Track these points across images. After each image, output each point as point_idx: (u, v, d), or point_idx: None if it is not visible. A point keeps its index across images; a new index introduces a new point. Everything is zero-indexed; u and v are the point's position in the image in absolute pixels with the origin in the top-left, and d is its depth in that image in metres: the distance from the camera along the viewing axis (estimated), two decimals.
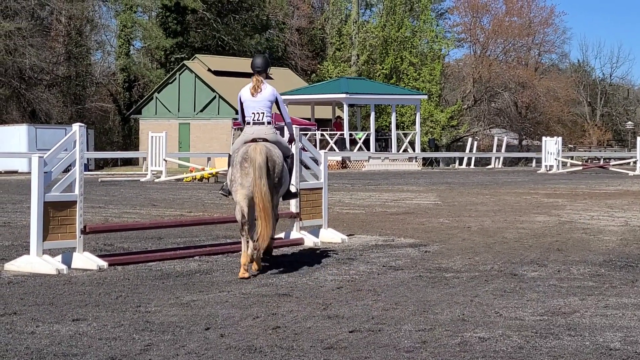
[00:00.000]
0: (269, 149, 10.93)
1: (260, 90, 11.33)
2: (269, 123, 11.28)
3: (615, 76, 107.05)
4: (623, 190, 28.59)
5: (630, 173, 43.26)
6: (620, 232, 15.34)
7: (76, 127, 10.86)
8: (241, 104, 11.44)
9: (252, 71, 11.56)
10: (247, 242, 10.84)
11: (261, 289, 9.37)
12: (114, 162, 63.30)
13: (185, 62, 62.17)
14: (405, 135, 56.39)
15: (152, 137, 36.81)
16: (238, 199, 10.93)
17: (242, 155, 10.93)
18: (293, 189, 12.22)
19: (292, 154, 11.90)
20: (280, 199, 11.70)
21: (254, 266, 10.74)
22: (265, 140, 11.10)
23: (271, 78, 62.33)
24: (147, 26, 70.29)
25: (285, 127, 12.11)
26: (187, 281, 9.88)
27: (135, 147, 63.22)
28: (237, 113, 57.48)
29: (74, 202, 10.69)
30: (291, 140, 12.19)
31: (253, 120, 11.28)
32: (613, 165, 51.16)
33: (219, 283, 9.76)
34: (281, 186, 11.23)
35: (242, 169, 10.86)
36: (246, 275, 10.22)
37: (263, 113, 11.27)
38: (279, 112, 11.88)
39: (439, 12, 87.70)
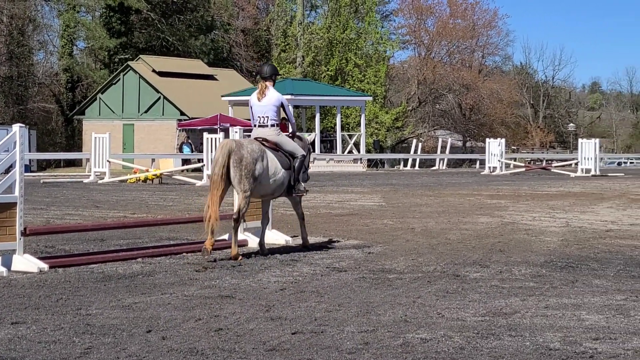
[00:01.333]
0: (238, 145, 11.86)
1: (265, 95, 12.55)
2: (272, 125, 12.52)
3: (558, 78, 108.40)
4: (564, 191, 28.89)
5: (572, 174, 43.73)
6: (562, 233, 15.50)
7: (16, 127, 10.75)
8: (251, 107, 12.73)
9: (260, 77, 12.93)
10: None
11: (204, 291, 9.33)
12: (57, 163, 62.71)
13: (129, 62, 61.78)
14: (350, 136, 56.59)
15: (95, 138, 36.51)
16: None
17: (216, 151, 12.10)
18: (301, 187, 12.80)
19: (303, 154, 12.74)
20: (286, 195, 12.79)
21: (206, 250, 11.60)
22: (265, 140, 12.33)
23: (216, 79, 61.21)
24: (91, 26, 69.75)
25: (290, 126, 13.32)
26: (129, 283, 9.81)
27: (79, 148, 62.69)
28: (181, 114, 56.94)
29: (14, 204, 10.57)
30: (294, 135, 13.06)
31: (258, 123, 12.59)
32: (555, 166, 51.70)
33: (162, 285, 9.71)
34: (256, 181, 11.93)
35: (214, 163, 11.93)
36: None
37: (267, 117, 12.54)
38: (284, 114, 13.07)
39: (384, 14, 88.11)
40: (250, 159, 11.80)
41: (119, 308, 8.33)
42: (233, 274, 10.55)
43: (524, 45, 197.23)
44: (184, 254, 12.19)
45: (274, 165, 12.24)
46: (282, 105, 12.63)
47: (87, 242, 13.54)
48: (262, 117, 12.54)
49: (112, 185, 33.19)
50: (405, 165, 58.91)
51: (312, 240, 13.80)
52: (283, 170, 12.40)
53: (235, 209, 12.10)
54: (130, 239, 14.02)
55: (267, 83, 12.68)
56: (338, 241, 13.95)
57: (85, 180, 35.37)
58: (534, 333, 7.39)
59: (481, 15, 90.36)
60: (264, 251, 12.50)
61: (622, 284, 10.04)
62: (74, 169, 54.63)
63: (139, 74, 59.68)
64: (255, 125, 12.62)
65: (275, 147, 12.46)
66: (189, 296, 9.00)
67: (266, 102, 12.54)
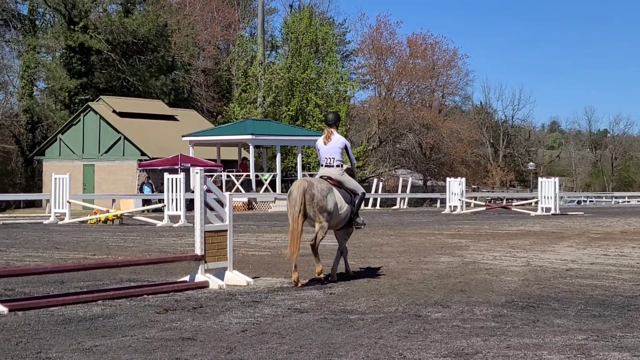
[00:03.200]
0: (310, 184, 13.62)
1: (331, 140, 14.19)
2: (337, 166, 14.22)
3: (517, 118, 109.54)
4: (525, 230, 29.03)
5: (532, 213, 43.95)
6: (522, 272, 15.55)
7: None
8: (318, 150, 14.40)
9: (325, 124, 14.53)
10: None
11: (165, 333, 9.27)
12: (17, 205, 62.21)
13: (89, 103, 61.62)
14: (312, 176, 56.55)
15: (55, 178, 36.30)
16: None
17: (290, 190, 13.70)
18: (359, 220, 14.51)
19: (362, 192, 14.50)
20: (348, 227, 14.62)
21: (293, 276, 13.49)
22: (329, 178, 14.02)
23: (177, 119, 61.15)
24: (51, 67, 69.56)
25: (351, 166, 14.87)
26: (89, 326, 9.73)
27: (39, 189, 62.32)
28: (142, 154, 56.99)
29: None
30: (353, 173, 14.67)
31: (325, 164, 14.25)
32: (515, 205, 52.00)
33: (122, 327, 9.63)
34: (329, 215, 13.75)
35: (289, 201, 13.68)
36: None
37: (333, 158, 14.21)
38: (347, 156, 14.55)
39: (344, 54, 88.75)
40: (321, 196, 13.57)
41: (79, 351, 8.25)
42: (194, 316, 10.50)
43: (483, 85, 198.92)
44: (145, 295, 12.12)
45: (340, 200, 13.94)
46: (345, 147, 14.25)
47: (47, 284, 13.43)
48: (329, 158, 14.20)
49: (73, 226, 32.97)
50: (366, 205, 59.01)
51: (273, 280, 13.79)
52: (347, 204, 14.09)
53: (313, 236, 13.86)
54: (90, 280, 13.92)
55: (332, 129, 14.28)
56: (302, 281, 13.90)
57: (45, 222, 35.12)
58: None
59: (441, 55, 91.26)
60: (350, 273, 14.88)
61: (583, 323, 10.09)
62: (34, 210, 54.25)
63: (100, 115, 59.54)
64: (322, 165, 14.27)
65: (339, 185, 14.09)
66: (149, 338, 8.94)
67: (332, 145, 14.19)
